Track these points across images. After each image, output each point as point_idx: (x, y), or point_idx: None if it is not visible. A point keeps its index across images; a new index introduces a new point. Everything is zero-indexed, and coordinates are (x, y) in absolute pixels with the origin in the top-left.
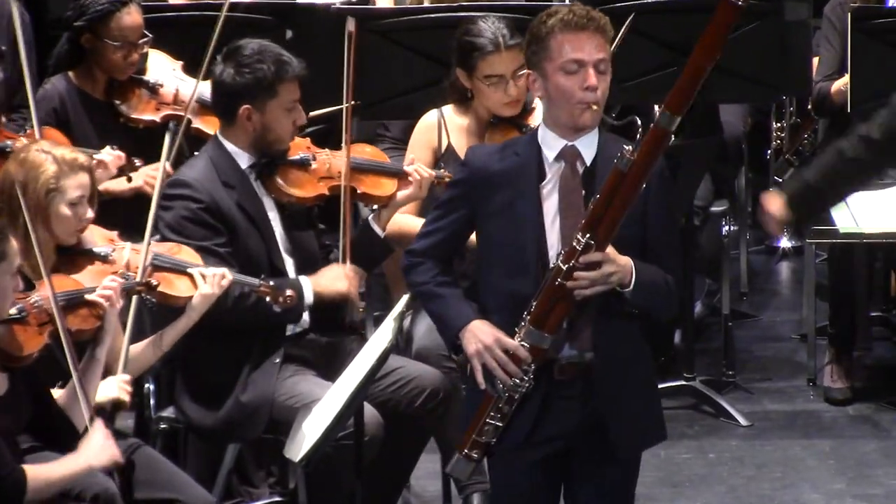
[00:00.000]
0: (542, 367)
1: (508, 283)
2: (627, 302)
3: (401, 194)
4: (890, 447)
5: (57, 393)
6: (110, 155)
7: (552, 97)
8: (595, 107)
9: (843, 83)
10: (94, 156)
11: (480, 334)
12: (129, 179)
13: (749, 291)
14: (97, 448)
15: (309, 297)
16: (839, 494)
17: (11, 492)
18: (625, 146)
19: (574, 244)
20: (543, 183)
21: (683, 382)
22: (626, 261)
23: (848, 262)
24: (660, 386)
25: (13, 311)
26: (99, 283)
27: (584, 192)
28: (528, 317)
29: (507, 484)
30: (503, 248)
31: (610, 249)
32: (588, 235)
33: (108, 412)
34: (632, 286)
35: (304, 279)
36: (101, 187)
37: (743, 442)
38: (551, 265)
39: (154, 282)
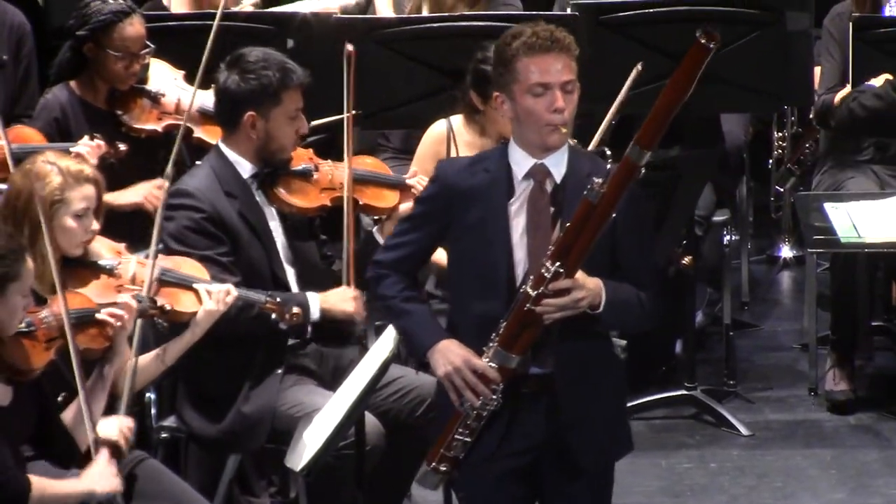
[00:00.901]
0: (510, 382)
1: (477, 303)
2: (599, 323)
3: (404, 206)
4: (891, 457)
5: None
6: (87, 146)
7: (520, 118)
8: (563, 128)
9: (845, 94)
10: (71, 148)
11: (450, 355)
12: (113, 166)
13: (750, 301)
14: (100, 475)
15: (315, 315)
16: None
17: (14, 498)
18: (594, 178)
19: (543, 271)
20: (512, 200)
21: (685, 392)
22: (596, 283)
23: (849, 271)
24: (661, 396)
25: (22, 325)
26: (105, 297)
27: (553, 209)
28: (497, 338)
29: (478, 496)
30: (472, 267)
31: (579, 274)
32: (558, 264)
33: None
34: (602, 308)
35: (311, 295)
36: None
37: (744, 451)
38: (519, 284)
39: (168, 306)
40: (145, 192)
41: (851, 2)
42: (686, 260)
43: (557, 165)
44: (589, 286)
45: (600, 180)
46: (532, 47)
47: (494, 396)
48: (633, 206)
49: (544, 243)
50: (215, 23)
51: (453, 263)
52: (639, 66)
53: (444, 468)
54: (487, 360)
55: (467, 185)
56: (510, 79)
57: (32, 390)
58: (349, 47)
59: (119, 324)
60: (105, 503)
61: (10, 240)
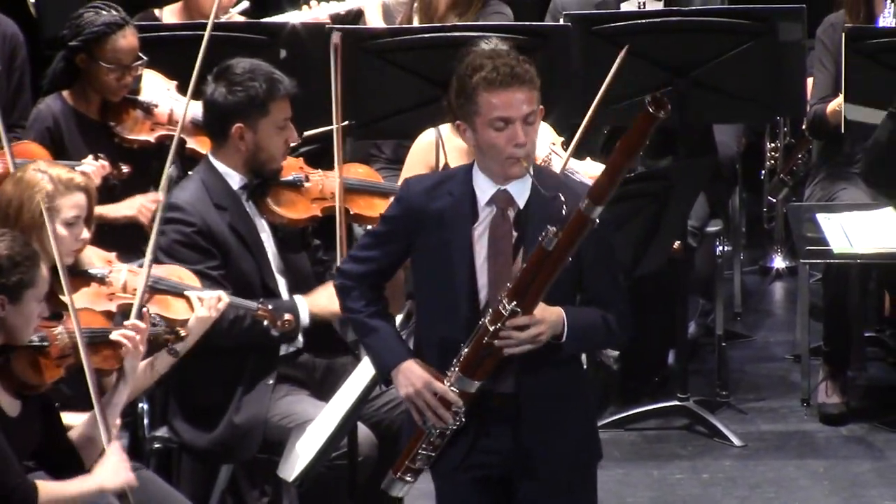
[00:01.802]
0: (476, 397)
1: (440, 325)
2: (563, 350)
3: None
4: (884, 468)
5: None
6: (92, 165)
7: (482, 149)
8: (524, 161)
9: (837, 104)
10: (76, 167)
11: (412, 377)
12: (116, 188)
13: (743, 312)
14: (111, 471)
15: (305, 319)
16: None
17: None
18: (549, 227)
19: (500, 308)
20: (475, 225)
21: (677, 403)
22: (557, 314)
23: (842, 282)
24: (653, 406)
25: (35, 338)
26: (97, 305)
27: (516, 234)
28: (458, 364)
29: (449, 500)
30: (435, 289)
31: (539, 308)
32: (514, 303)
33: None
34: (564, 337)
35: (299, 299)
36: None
37: (737, 462)
38: (482, 306)
39: (183, 332)
40: (139, 206)
41: (844, 12)
42: (675, 245)
43: (520, 191)
44: (549, 319)
45: (554, 229)
46: (492, 83)
47: (455, 419)
48: (596, 236)
49: (506, 269)
50: (206, 32)
51: (417, 284)
52: (624, 51)
53: (409, 478)
54: (449, 383)
55: (431, 208)
56: (471, 110)
57: (39, 403)
58: (335, 38)
59: (131, 345)
60: (118, 497)
61: (25, 246)
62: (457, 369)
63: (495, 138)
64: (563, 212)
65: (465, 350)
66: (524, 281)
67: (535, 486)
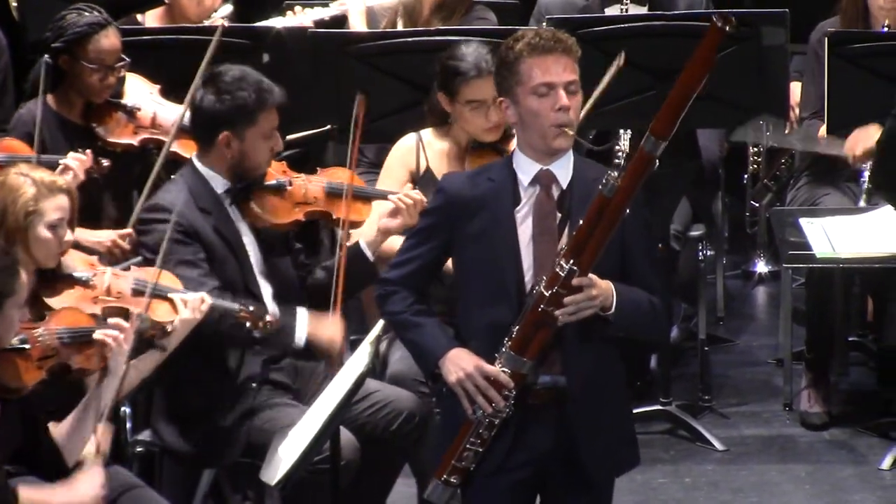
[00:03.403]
0: (518, 394)
1: (487, 311)
2: (611, 325)
3: (393, 223)
4: (866, 472)
5: None
6: (76, 160)
7: (525, 121)
8: (568, 130)
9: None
10: (60, 161)
11: (461, 362)
12: (97, 182)
13: (725, 316)
14: (91, 489)
15: (301, 340)
16: None
17: None
18: (609, 172)
19: (557, 270)
20: (518, 208)
21: (660, 407)
22: (607, 284)
23: (825, 287)
24: (636, 410)
25: (15, 340)
26: (83, 308)
27: (559, 215)
28: (510, 342)
29: None
30: (480, 275)
31: (592, 275)
32: (572, 262)
33: None
34: (613, 309)
35: (300, 316)
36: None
37: (719, 466)
38: (528, 289)
39: (168, 328)
40: (113, 241)
41: (839, 20)
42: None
43: (563, 170)
44: (601, 286)
45: (615, 174)
46: (535, 48)
47: (507, 403)
48: (639, 207)
49: (551, 249)
50: (214, 38)
51: (461, 274)
52: (622, 56)
53: (455, 480)
54: (500, 365)
55: (472, 195)
56: (514, 81)
57: (19, 406)
58: (360, 97)
59: (115, 344)
60: None
61: (4, 256)
62: (507, 349)
63: (538, 105)
64: (622, 162)
65: (517, 327)
66: (581, 236)
67: (569, 486)
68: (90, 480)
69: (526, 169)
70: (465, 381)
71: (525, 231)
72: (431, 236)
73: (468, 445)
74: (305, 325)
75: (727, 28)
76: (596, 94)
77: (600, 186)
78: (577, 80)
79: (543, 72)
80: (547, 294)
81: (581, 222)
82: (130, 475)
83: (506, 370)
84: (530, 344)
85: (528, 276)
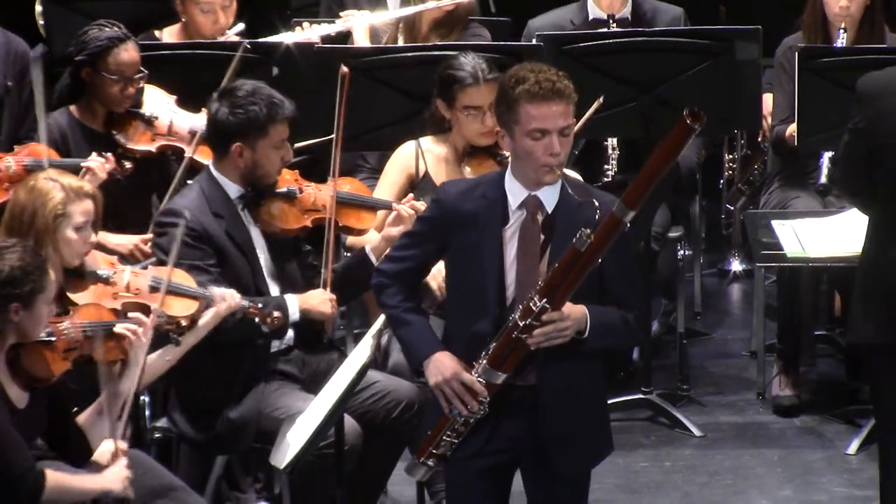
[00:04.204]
0: (501, 388)
1: (469, 321)
2: (586, 345)
3: (396, 230)
4: (834, 456)
5: None
6: (97, 161)
7: (518, 156)
8: (557, 170)
9: (793, 129)
10: (82, 163)
11: (441, 367)
12: (119, 185)
13: (702, 311)
14: (116, 477)
15: (294, 315)
16: (787, 501)
17: (31, 490)
18: (583, 230)
19: (531, 305)
20: (506, 227)
21: (641, 396)
22: (581, 311)
23: (795, 284)
24: (619, 399)
25: (42, 333)
26: (104, 303)
27: (543, 237)
28: (486, 356)
29: (459, 487)
30: (466, 287)
31: (566, 306)
32: (545, 300)
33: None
34: (587, 332)
35: (289, 297)
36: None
37: (696, 451)
38: (509, 304)
39: (184, 322)
40: (134, 246)
41: (802, 34)
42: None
43: (550, 197)
44: (574, 315)
45: (588, 231)
46: (534, 95)
47: (480, 408)
48: (619, 241)
49: (532, 269)
50: (238, 54)
51: (449, 281)
52: (600, 100)
53: (431, 463)
54: (476, 374)
55: (466, 209)
56: (511, 119)
57: (46, 394)
58: (344, 68)
59: (135, 337)
60: (117, 502)
61: (35, 256)
62: (485, 361)
63: (532, 147)
64: (597, 217)
65: (494, 344)
66: (555, 280)
67: (544, 478)
68: (114, 471)
69: (515, 192)
70: (442, 385)
71: (511, 249)
72: (425, 241)
73: (444, 438)
74: (296, 302)
75: (696, 126)
76: (576, 128)
77: (574, 240)
78: (571, 123)
79: (540, 119)
80: (521, 324)
81: (556, 265)
82: (155, 463)
83: (481, 380)
84: (505, 361)
85: (510, 291)
